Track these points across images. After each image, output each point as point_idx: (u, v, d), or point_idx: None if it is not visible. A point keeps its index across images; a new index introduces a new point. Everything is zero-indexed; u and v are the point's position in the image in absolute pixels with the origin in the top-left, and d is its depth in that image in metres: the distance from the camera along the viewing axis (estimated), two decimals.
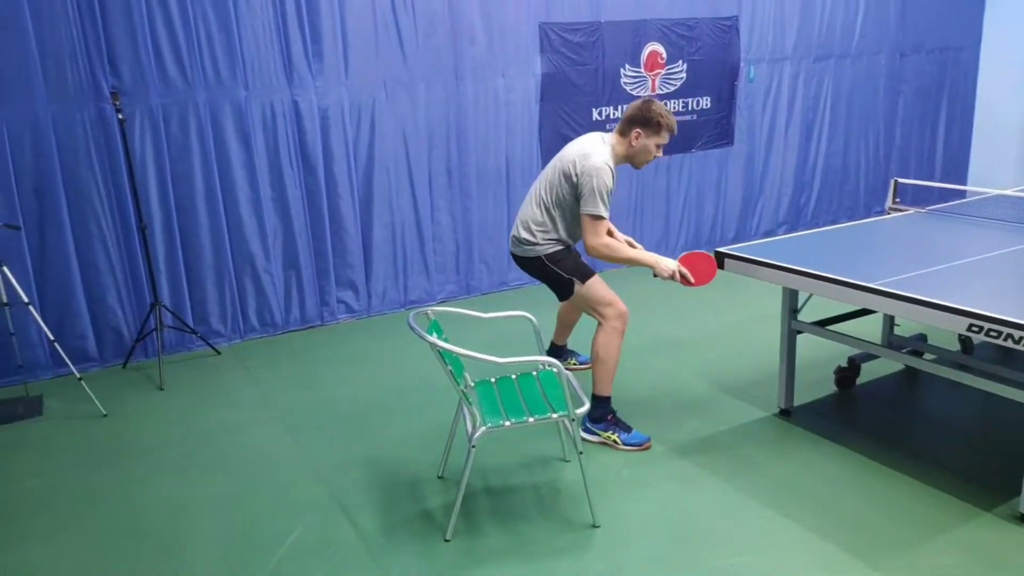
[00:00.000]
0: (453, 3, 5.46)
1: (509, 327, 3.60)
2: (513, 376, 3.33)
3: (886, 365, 4.38)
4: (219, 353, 5.11)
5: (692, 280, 3.50)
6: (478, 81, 5.68)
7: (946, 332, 4.60)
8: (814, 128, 7.32)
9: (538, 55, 5.84)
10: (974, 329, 2.73)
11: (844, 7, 7.13)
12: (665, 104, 6.40)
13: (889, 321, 4.15)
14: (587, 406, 3.03)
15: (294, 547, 2.98)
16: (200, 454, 3.76)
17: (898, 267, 3.36)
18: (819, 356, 4.45)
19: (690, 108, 6.57)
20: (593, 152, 3.46)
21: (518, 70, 5.81)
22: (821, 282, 3.26)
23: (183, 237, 4.99)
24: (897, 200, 4.61)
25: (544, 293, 3.96)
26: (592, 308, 3.62)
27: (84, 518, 3.26)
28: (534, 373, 3.35)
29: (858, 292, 3.12)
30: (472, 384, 3.26)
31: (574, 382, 3.11)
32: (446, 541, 2.97)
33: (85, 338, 4.86)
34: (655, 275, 3.53)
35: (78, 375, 4.33)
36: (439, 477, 3.43)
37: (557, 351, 4.41)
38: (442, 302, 5.92)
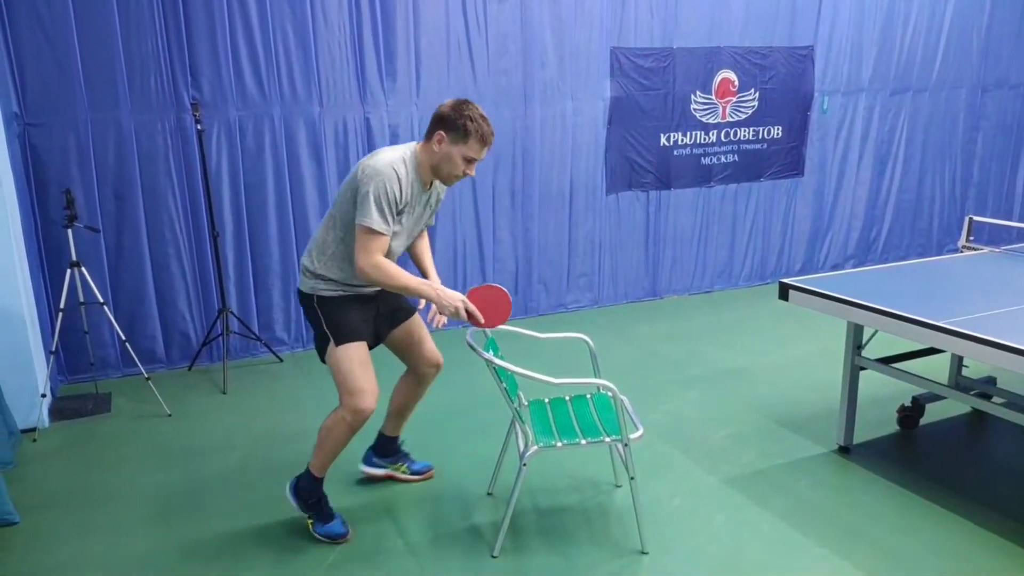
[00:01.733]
0: (526, 25, 5.54)
1: (565, 349, 3.60)
2: (567, 397, 3.34)
3: (952, 407, 4.24)
4: (281, 361, 5.23)
5: (480, 319, 2.89)
6: (547, 103, 5.73)
7: (1017, 376, 4.44)
8: (888, 162, 7.17)
9: (608, 79, 5.87)
10: None
11: (925, 39, 6.99)
12: (734, 132, 6.42)
13: (957, 362, 4.02)
14: (641, 431, 3.01)
15: (344, 552, 3.02)
16: (258, 458, 3.85)
17: (969, 306, 3.26)
18: (882, 394, 4.33)
19: (760, 137, 6.50)
20: (381, 153, 2.87)
21: (587, 94, 5.84)
22: (887, 318, 3.18)
23: (252, 245, 5.14)
24: (971, 238, 4.48)
25: (605, 317, 3.93)
26: (338, 384, 2.98)
27: (145, 513, 3.37)
28: (588, 396, 3.35)
29: (925, 330, 3.04)
30: (526, 403, 3.27)
31: (628, 407, 3.09)
32: (493, 557, 2.97)
33: (154, 339, 5.03)
34: (431, 314, 2.96)
35: (146, 375, 4.49)
36: (488, 494, 3.45)
37: (384, 444, 3.53)
38: None
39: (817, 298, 3.51)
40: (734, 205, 6.61)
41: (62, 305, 4.17)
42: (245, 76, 4.89)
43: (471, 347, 2.92)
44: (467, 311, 2.86)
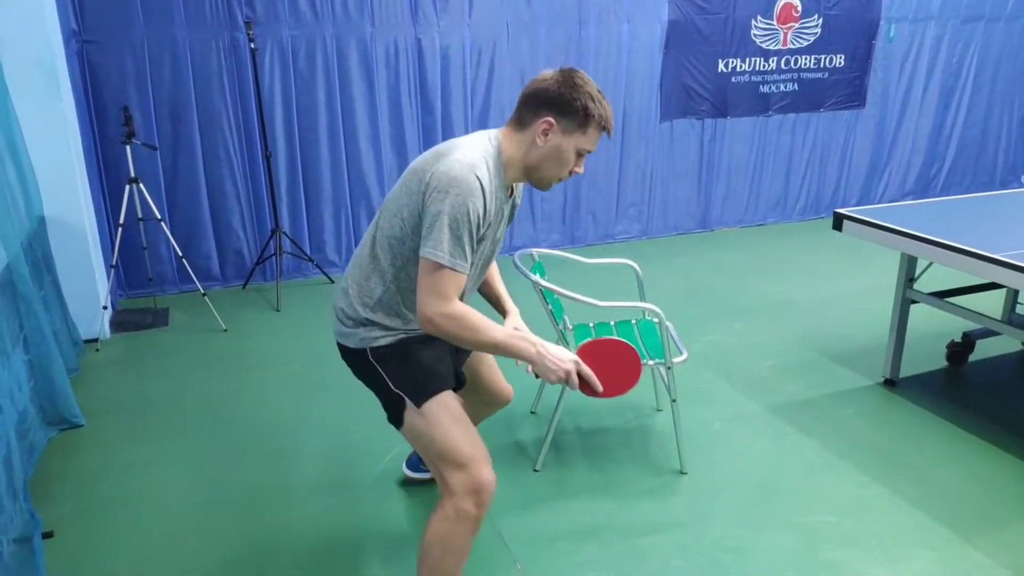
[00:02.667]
0: None
1: (612, 276, 3.61)
2: (612, 322, 3.36)
3: (1003, 345, 4.16)
4: (333, 282, 5.34)
5: (599, 388, 2.06)
6: (601, 26, 5.61)
7: None
8: (954, 95, 6.90)
9: (666, 2, 5.71)
10: None
11: None
12: (795, 60, 6.22)
13: (1012, 298, 3.93)
14: (685, 355, 3.02)
15: (392, 463, 3.14)
16: (312, 372, 3.98)
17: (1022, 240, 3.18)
18: (933, 330, 4.27)
19: (822, 65, 6.29)
20: (455, 152, 1.99)
21: (644, 16, 5.70)
22: (941, 249, 3.12)
23: (304, 167, 5.20)
24: None
25: (653, 248, 3.90)
26: (432, 460, 2.11)
27: (203, 420, 3.52)
28: (633, 322, 3.37)
29: (979, 262, 2.97)
30: (571, 327, 3.30)
31: (672, 332, 3.11)
32: (535, 471, 3.06)
33: (209, 258, 5.17)
34: (536, 375, 2.09)
35: (203, 291, 4.63)
36: (532, 412, 3.52)
37: None
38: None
39: (871, 228, 3.44)
40: (792, 136, 6.45)
41: (122, 220, 4.30)
42: None
43: (518, 268, 2.95)
44: (580, 374, 2.05)
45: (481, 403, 2.60)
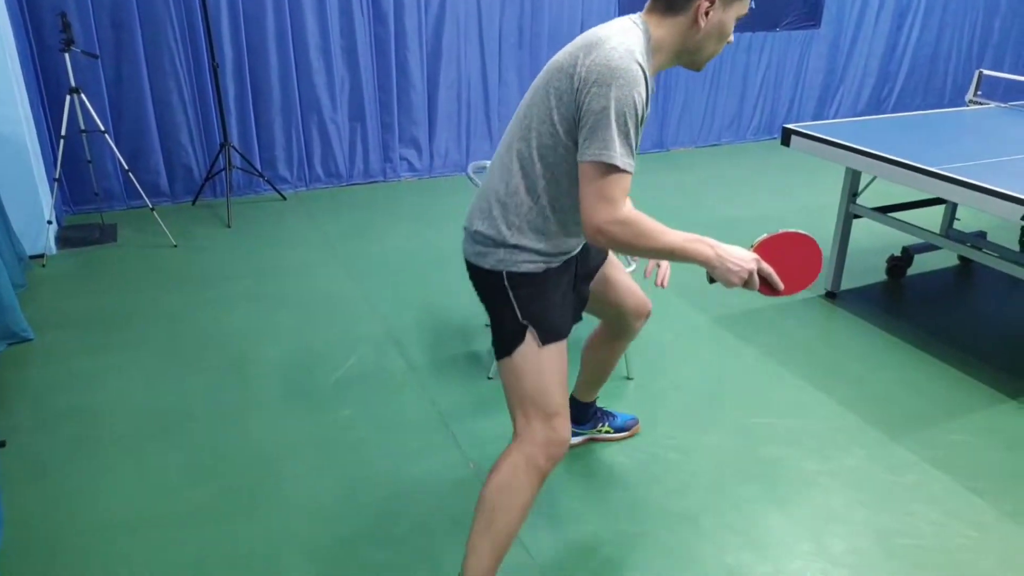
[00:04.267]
0: None
1: None
2: None
3: (940, 260, 4.33)
4: (284, 198, 5.28)
5: (780, 286, 1.91)
6: None
7: (1006, 231, 4.50)
8: (907, 15, 6.94)
9: None
10: None
11: None
12: None
13: (950, 213, 4.08)
14: (633, 267, 3.09)
15: (351, 371, 3.19)
16: (266, 286, 3.98)
17: (964, 156, 3.28)
18: (874, 245, 4.41)
19: None
20: (610, 39, 1.74)
21: None
22: (883, 163, 3.21)
23: (253, 80, 5.07)
24: (979, 93, 4.42)
25: None
26: (519, 402, 1.93)
27: (156, 333, 3.52)
28: None
29: (919, 176, 3.07)
30: None
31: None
32: (488, 379, 3.14)
33: (157, 174, 5.06)
34: (711, 280, 1.92)
35: (151, 206, 4.55)
36: (486, 325, 3.58)
37: (580, 410, 2.75)
38: None
39: (817, 144, 3.52)
40: (747, 55, 6.46)
41: (63, 132, 4.18)
42: None
43: (471, 180, 2.97)
44: (761, 274, 1.89)
45: (625, 318, 2.44)
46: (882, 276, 4.16)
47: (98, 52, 4.59)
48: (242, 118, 5.13)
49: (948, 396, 3.09)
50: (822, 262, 2.01)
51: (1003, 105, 4.31)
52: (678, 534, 2.37)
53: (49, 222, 4.24)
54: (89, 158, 4.47)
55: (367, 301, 3.82)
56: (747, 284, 1.86)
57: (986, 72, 4.45)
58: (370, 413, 2.93)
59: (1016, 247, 4.28)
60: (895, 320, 3.69)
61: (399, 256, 4.36)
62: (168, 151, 5.04)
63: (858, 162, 3.36)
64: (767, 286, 1.90)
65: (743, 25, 6.26)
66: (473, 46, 5.54)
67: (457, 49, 5.49)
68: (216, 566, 2.22)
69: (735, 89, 6.53)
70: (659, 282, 2.27)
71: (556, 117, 1.77)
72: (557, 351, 1.92)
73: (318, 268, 4.20)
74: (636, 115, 1.70)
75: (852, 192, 3.71)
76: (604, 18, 5.84)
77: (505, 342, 1.92)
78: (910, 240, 4.25)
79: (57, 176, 4.34)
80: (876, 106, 7.18)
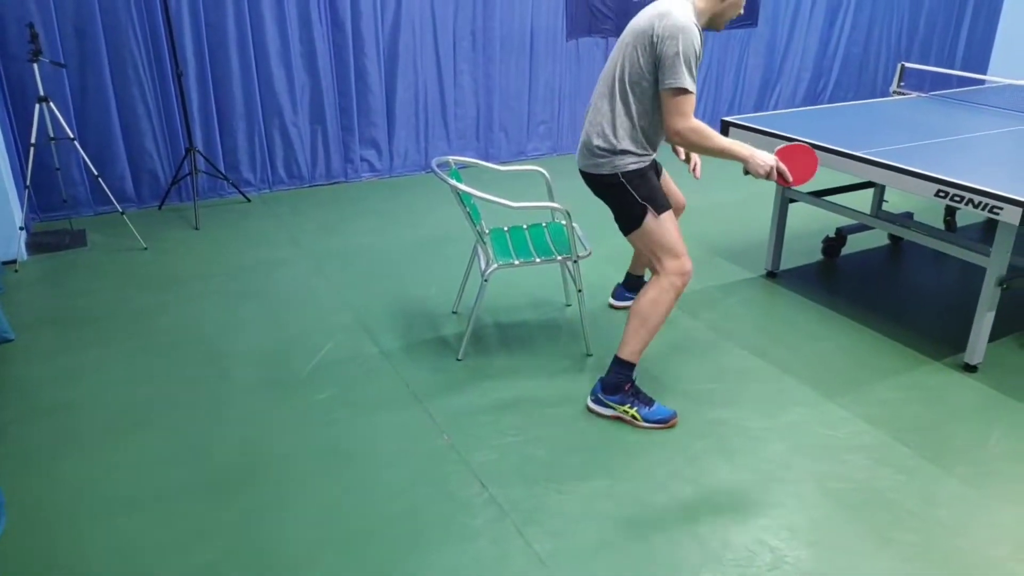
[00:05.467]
0: None
1: (524, 184, 3.88)
2: (524, 226, 3.64)
3: (870, 240, 4.67)
4: (249, 201, 5.43)
5: (790, 178, 2.80)
6: None
7: (932, 212, 4.85)
8: (839, 13, 7.33)
9: None
10: (940, 195, 3.00)
11: None
12: None
13: (878, 197, 4.41)
14: (590, 251, 3.34)
15: (325, 359, 3.38)
16: (237, 284, 4.14)
17: (887, 142, 3.59)
18: (810, 228, 4.73)
19: None
20: (673, 10, 2.68)
21: None
22: (816, 151, 3.50)
23: (216, 86, 5.22)
24: (902, 84, 4.77)
25: (564, 163, 4.16)
26: (654, 253, 2.92)
27: (133, 330, 3.66)
28: (544, 224, 3.66)
29: (845, 160, 3.38)
30: (487, 231, 3.57)
31: (579, 231, 3.41)
32: (458, 360, 3.36)
33: (124, 179, 5.17)
34: (746, 171, 2.84)
35: (120, 210, 4.67)
36: (453, 312, 3.81)
37: (633, 283, 3.83)
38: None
39: (752, 133, 3.80)
40: None
41: (33, 140, 4.28)
42: None
43: (435, 173, 3.18)
44: (778, 170, 2.78)
45: (673, 211, 3.11)
46: (819, 256, 4.47)
47: (63, 61, 4.70)
48: (206, 123, 5.26)
49: (878, 360, 3.40)
50: (818, 162, 2.86)
51: (923, 95, 4.66)
52: (637, 487, 2.61)
53: (21, 228, 4.34)
54: (58, 165, 4.58)
55: (337, 294, 4.01)
56: (768, 176, 2.77)
57: (908, 65, 4.81)
58: (346, 397, 3.13)
59: (941, 226, 4.64)
60: (830, 295, 4.00)
61: (364, 251, 4.55)
62: (134, 157, 5.15)
63: None
64: (781, 178, 2.79)
65: None
66: (428, 50, 5.75)
67: (413, 53, 5.70)
68: (209, 539, 2.40)
69: None
70: (693, 171, 3.28)
71: (643, 62, 2.72)
72: (668, 216, 2.90)
73: (286, 265, 4.37)
74: (695, 56, 2.65)
75: None
76: (552, 25, 6.10)
77: (634, 219, 2.91)
78: (844, 222, 4.57)
79: (27, 183, 4.44)
80: (812, 99, 7.57)
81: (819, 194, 4.05)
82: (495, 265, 3.24)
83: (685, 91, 2.64)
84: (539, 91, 6.27)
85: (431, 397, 3.11)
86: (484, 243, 3.37)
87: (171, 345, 3.52)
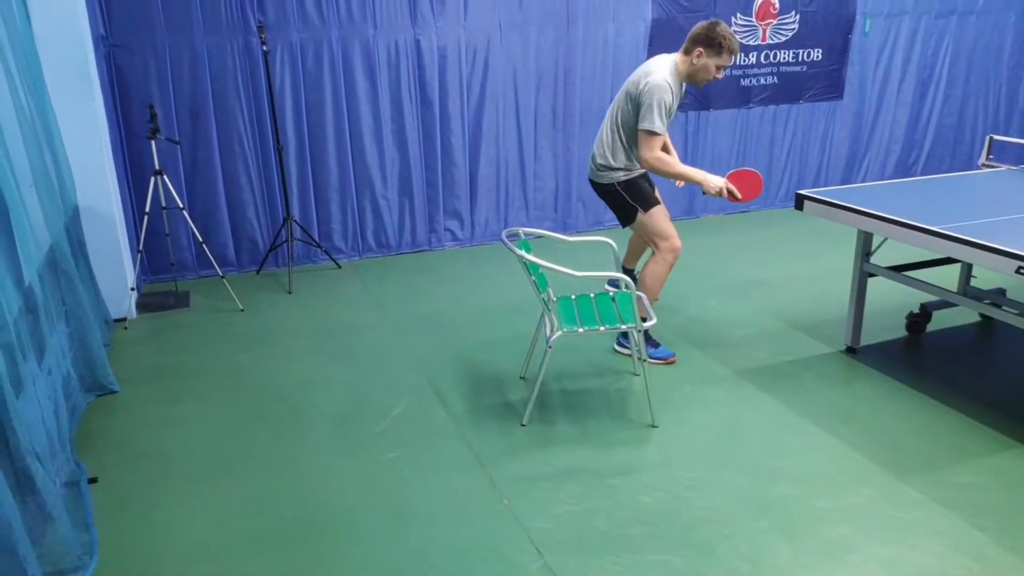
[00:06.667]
0: None
1: (594, 255, 3.97)
2: (591, 295, 3.73)
3: (959, 316, 4.51)
4: (340, 267, 5.72)
5: (739, 196, 3.71)
6: (589, 25, 5.97)
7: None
8: (930, 86, 7.23)
9: (649, 1, 6.06)
10: (1021, 272, 2.92)
11: None
12: (774, 55, 6.58)
13: (966, 271, 4.28)
14: (654, 320, 3.39)
15: (397, 418, 3.51)
16: (323, 345, 4.35)
17: (975, 216, 3.50)
18: (894, 303, 4.62)
19: (800, 59, 6.63)
20: (655, 70, 3.71)
21: (628, 15, 6.05)
22: (891, 225, 3.46)
23: (313, 161, 5.58)
24: (991, 156, 4.66)
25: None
26: (650, 237, 3.95)
27: (226, 386, 3.90)
28: (611, 293, 3.73)
29: (928, 236, 3.29)
30: (555, 299, 3.67)
31: (645, 301, 3.47)
32: (522, 426, 3.43)
33: (226, 246, 5.55)
34: (704, 192, 3.76)
35: (221, 274, 5.01)
36: (521, 377, 3.89)
37: (628, 275, 4.49)
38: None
39: (827, 207, 3.79)
40: (772, 127, 6.79)
41: (147, 208, 4.68)
42: (306, 0, 5.24)
43: (504, 244, 3.32)
44: (728, 190, 3.72)
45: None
46: (902, 332, 4.35)
47: (178, 138, 5.14)
48: (302, 195, 5.61)
49: (959, 441, 3.27)
50: (762, 185, 3.80)
51: (1014, 168, 4.54)
52: (693, 563, 2.59)
53: (132, 289, 4.71)
54: (168, 232, 4.97)
55: (412, 356, 4.16)
56: (719, 193, 3.73)
57: (996, 137, 4.71)
58: (413, 456, 3.24)
59: None
60: (911, 373, 3.88)
61: (442, 316, 4.72)
62: (236, 225, 5.53)
63: (866, 224, 3.62)
64: (732, 195, 3.72)
65: (767, 99, 6.63)
66: (511, 127, 5.99)
67: (496, 130, 5.95)
68: None
69: (761, 159, 6.85)
70: (678, 184, 4.39)
71: (630, 108, 3.81)
72: (657, 210, 3.92)
73: (369, 328, 4.57)
74: (667, 107, 3.71)
75: (865, 252, 3.96)
76: None
77: (629, 215, 3.96)
78: (928, 298, 4.45)
79: (140, 248, 4.83)
80: (904, 172, 7.42)
81: (901, 269, 3.98)
82: (559, 332, 3.32)
83: (654, 133, 3.71)
84: None
85: (494, 461, 3.18)
86: (549, 310, 3.46)
87: (258, 400, 3.73)
